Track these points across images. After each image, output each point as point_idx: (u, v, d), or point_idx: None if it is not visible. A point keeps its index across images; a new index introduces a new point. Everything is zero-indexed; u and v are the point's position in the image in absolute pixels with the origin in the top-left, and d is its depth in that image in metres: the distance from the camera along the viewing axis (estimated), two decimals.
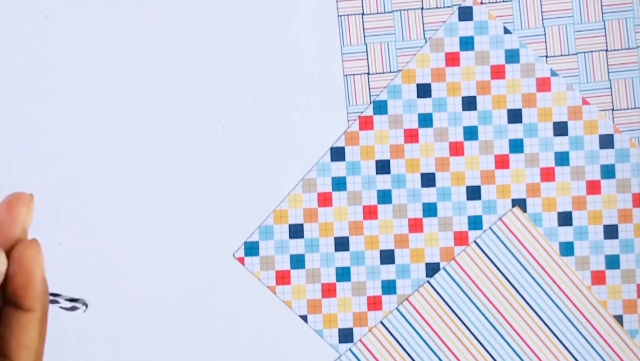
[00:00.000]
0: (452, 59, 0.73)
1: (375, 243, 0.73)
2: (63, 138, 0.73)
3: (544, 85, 0.73)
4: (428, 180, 0.73)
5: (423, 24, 0.73)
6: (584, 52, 0.73)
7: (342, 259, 0.73)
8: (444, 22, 0.73)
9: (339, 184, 0.73)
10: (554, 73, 0.73)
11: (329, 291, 0.73)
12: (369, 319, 0.73)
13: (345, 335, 0.73)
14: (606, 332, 0.73)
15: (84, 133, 0.73)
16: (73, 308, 0.66)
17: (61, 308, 0.64)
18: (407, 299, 0.73)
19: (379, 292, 0.73)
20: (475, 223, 0.73)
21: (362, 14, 0.73)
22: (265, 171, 0.73)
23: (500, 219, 0.73)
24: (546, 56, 0.73)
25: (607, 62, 0.73)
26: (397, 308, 0.73)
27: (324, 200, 0.73)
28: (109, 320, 0.73)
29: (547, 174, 0.73)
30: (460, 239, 0.73)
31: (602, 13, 0.73)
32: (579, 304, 0.73)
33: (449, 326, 0.73)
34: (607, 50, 0.73)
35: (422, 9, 0.73)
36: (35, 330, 0.46)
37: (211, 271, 0.73)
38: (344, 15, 0.73)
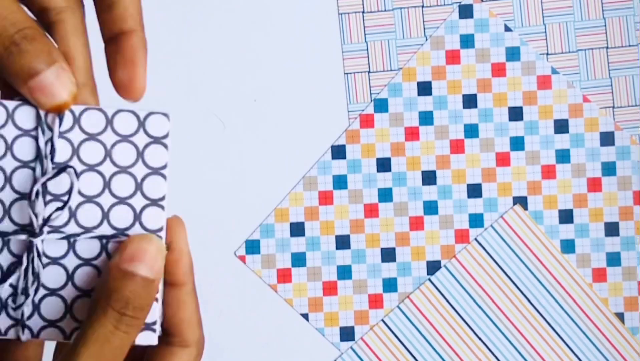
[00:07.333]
0: (453, 57, 0.73)
1: (376, 241, 0.73)
2: None
3: (544, 82, 0.73)
4: (429, 178, 0.73)
5: (424, 21, 0.73)
6: (585, 50, 0.73)
7: (343, 257, 0.73)
8: (445, 19, 0.73)
9: (340, 182, 0.73)
10: (554, 71, 0.73)
11: (330, 289, 0.73)
12: (370, 317, 0.73)
13: (347, 333, 0.73)
14: (607, 330, 0.73)
15: None
16: None
17: None
18: (408, 297, 0.73)
19: (380, 290, 0.73)
20: (476, 220, 0.73)
21: (363, 11, 0.73)
22: (266, 169, 0.73)
23: (501, 216, 0.73)
24: (547, 54, 0.73)
25: (608, 59, 0.73)
26: (398, 306, 0.73)
27: (325, 198, 0.73)
28: None
29: (548, 172, 0.73)
30: (461, 237, 0.73)
31: (603, 10, 0.73)
32: (580, 301, 0.73)
33: (450, 324, 0.73)
34: (607, 48, 0.73)
35: (422, 6, 0.73)
36: (191, 303, 0.46)
37: (212, 270, 0.73)
38: (344, 13, 0.73)
